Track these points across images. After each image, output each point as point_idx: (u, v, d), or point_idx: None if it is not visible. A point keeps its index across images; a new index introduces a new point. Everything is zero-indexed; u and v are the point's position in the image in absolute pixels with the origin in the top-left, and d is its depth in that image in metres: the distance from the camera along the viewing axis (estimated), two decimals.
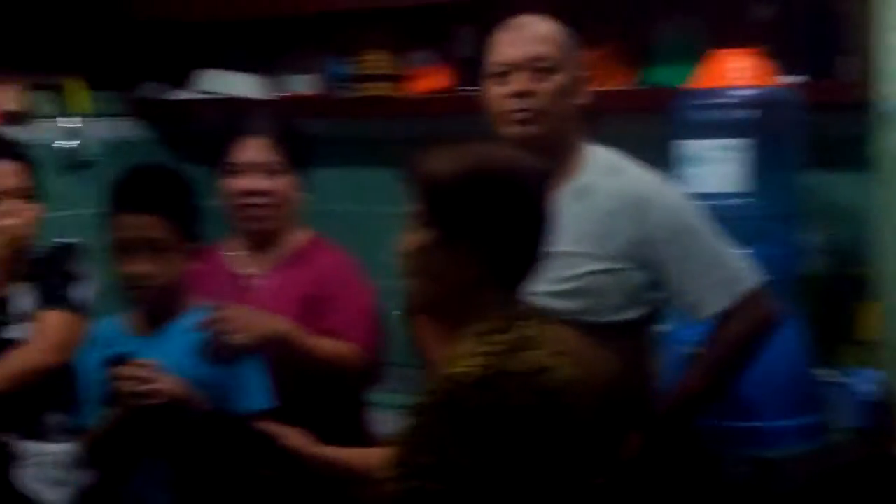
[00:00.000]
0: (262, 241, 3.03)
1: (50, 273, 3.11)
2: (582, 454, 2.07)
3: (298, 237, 3.07)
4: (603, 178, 2.70)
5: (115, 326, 2.79)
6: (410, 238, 2.11)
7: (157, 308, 2.73)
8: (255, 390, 2.71)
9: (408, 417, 2.03)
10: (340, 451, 2.48)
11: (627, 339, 2.70)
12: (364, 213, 4.41)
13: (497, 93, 2.71)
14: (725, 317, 2.68)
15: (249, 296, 2.96)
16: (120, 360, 2.62)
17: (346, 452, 2.49)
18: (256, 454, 2.46)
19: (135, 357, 2.62)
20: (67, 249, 3.17)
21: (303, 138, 3.09)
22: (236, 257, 3.06)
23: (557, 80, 2.67)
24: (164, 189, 2.71)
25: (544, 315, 2.15)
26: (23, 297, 3.08)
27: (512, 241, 2.07)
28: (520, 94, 2.66)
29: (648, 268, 2.68)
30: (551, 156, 2.62)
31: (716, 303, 2.66)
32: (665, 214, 2.66)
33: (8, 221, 3.05)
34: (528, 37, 2.70)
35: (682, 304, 2.72)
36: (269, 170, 2.96)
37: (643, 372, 2.79)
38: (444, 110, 3.99)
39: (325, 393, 2.91)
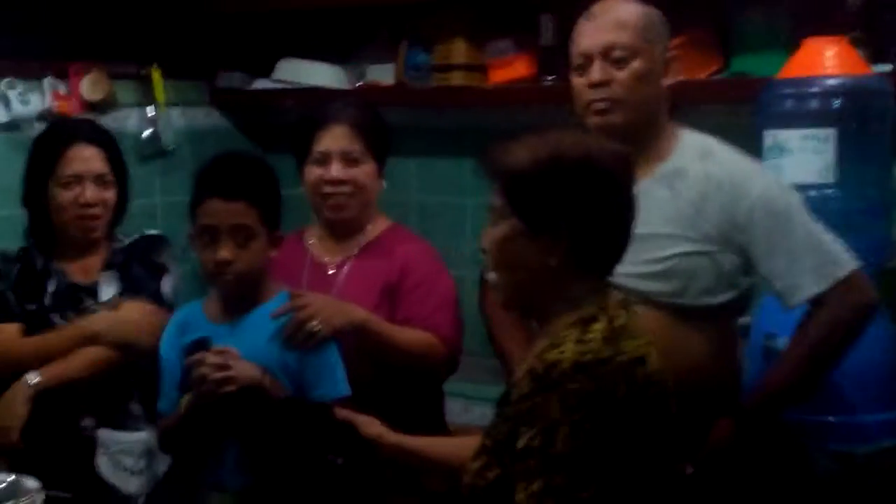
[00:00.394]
0: (342, 229, 3.03)
1: (135, 263, 3.12)
2: (673, 443, 2.05)
3: (378, 226, 3.06)
4: (695, 161, 2.67)
5: (195, 313, 2.80)
6: (492, 230, 2.10)
7: (238, 295, 2.73)
8: (331, 378, 2.71)
9: (498, 407, 2.03)
10: (417, 440, 2.48)
11: (716, 323, 2.67)
12: (441, 203, 4.41)
13: (578, 83, 2.70)
14: (819, 303, 2.63)
15: (329, 284, 2.96)
16: (199, 345, 2.63)
17: (422, 441, 2.49)
18: (333, 441, 2.46)
19: (214, 343, 2.63)
20: (153, 241, 3.18)
21: (384, 127, 3.08)
22: (316, 245, 3.06)
23: (635, 67, 2.64)
24: (249, 177, 2.71)
25: (633, 303, 2.13)
26: (109, 286, 3.09)
27: (594, 229, 2.05)
28: (597, 85, 2.65)
29: (740, 251, 2.64)
30: (639, 140, 2.60)
31: (809, 288, 2.61)
32: (758, 197, 2.62)
33: (86, 209, 3.05)
34: (603, 25, 2.67)
35: (773, 289, 2.67)
36: (350, 158, 2.96)
37: (731, 357, 2.76)
38: (524, 100, 3.96)
39: (403, 382, 2.89)
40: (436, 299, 2.96)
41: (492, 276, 2.14)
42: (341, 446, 2.45)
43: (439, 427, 3.04)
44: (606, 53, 2.64)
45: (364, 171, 2.98)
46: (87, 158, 3.07)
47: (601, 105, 2.64)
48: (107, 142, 3.15)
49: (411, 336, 2.88)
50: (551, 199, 2.03)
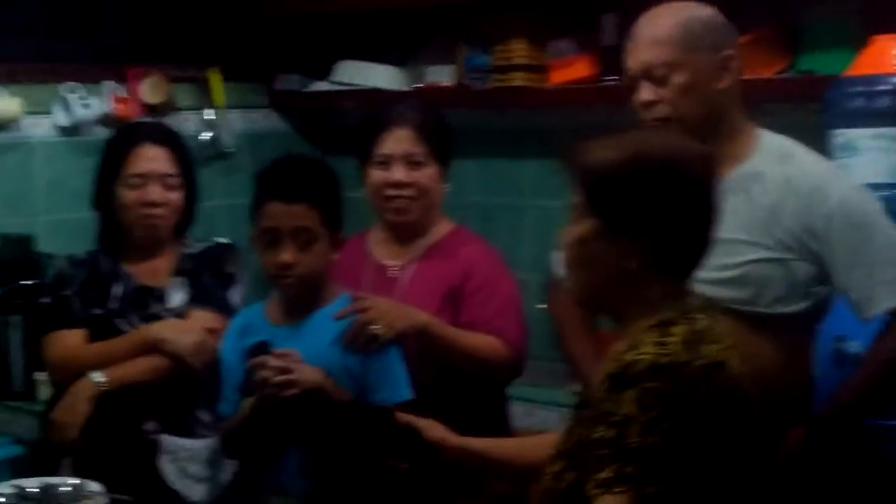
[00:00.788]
0: (405, 232, 3.00)
1: (205, 271, 3.11)
2: (751, 449, 2.02)
3: (441, 228, 3.03)
4: (773, 165, 2.61)
5: (257, 315, 2.80)
6: (571, 228, 2.07)
7: (300, 297, 2.72)
8: (393, 382, 2.69)
9: (575, 410, 2.01)
10: (480, 441, 2.46)
11: (790, 333, 2.61)
12: (501, 205, 4.39)
13: (634, 101, 2.66)
14: None
15: (391, 287, 2.94)
16: (260, 349, 2.62)
17: (485, 442, 2.46)
18: (395, 446, 2.44)
19: (275, 346, 2.62)
20: (224, 249, 3.17)
21: (447, 129, 3.05)
22: (379, 248, 3.04)
23: (678, 81, 2.58)
24: (311, 179, 2.70)
25: (713, 307, 2.10)
26: (177, 292, 3.09)
27: (676, 231, 2.02)
28: (646, 106, 2.61)
29: (815, 260, 2.58)
30: (711, 146, 2.53)
31: (886, 300, 2.54)
32: (836, 205, 2.55)
33: (150, 209, 3.05)
34: (641, 45, 2.63)
35: (849, 301, 2.60)
36: (413, 161, 2.93)
37: (804, 368, 2.69)
38: (586, 101, 3.93)
39: (466, 386, 2.87)
40: (499, 302, 2.92)
41: (566, 274, 2.12)
42: (404, 451, 2.44)
43: (503, 432, 3.00)
44: (648, 74, 2.60)
45: (427, 174, 2.95)
46: (152, 158, 3.07)
47: (653, 125, 2.60)
48: (175, 143, 3.15)
49: (475, 340, 2.86)
50: (633, 200, 2.01)
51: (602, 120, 3.90)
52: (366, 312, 2.70)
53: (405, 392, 2.68)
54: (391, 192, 2.93)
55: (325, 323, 2.70)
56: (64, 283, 3.10)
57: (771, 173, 2.60)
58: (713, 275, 2.48)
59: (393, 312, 2.74)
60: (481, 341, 2.85)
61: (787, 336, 2.60)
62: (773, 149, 2.64)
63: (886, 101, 3.04)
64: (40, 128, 4.09)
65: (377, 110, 3.08)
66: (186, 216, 3.15)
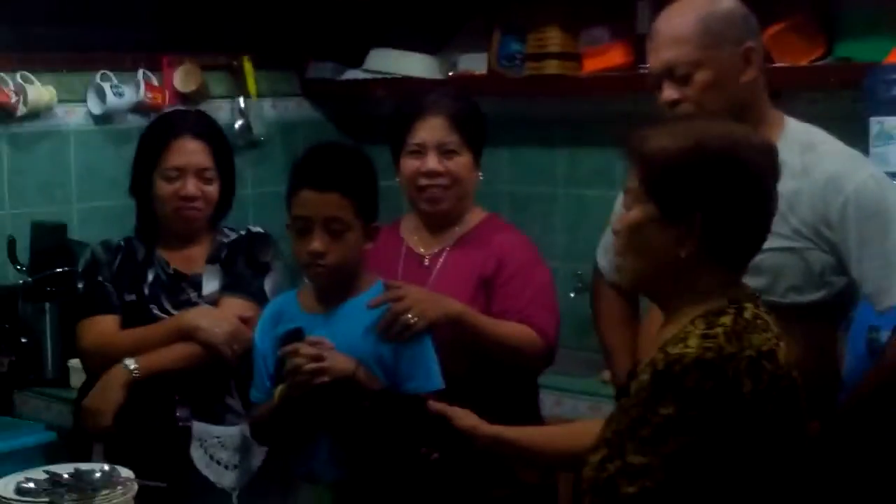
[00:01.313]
0: (438, 221, 3.00)
1: (239, 260, 3.11)
2: (803, 437, 2.03)
3: (474, 217, 3.03)
4: (795, 154, 2.57)
5: (290, 302, 2.80)
6: (626, 214, 2.07)
7: (331, 286, 2.71)
8: (425, 371, 2.68)
9: (617, 399, 2.01)
10: (512, 430, 2.44)
11: (810, 322, 2.57)
12: (533, 194, 4.37)
13: (660, 100, 2.65)
14: None
15: (425, 276, 2.94)
16: (293, 336, 2.62)
17: (517, 431, 2.45)
18: (427, 435, 2.43)
19: (308, 334, 2.62)
20: (258, 238, 3.16)
21: (480, 118, 3.04)
22: (412, 237, 3.03)
23: (700, 79, 2.57)
24: (345, 168, 2.69)
25: (761, 297, 2.09)
26: (212, 279, 3.10)
27: (731, 222, 2.01)
28: (670, 105, 2.60)
29: (831, 249, 2.56)
30: None
31: None
32: (851, 194, 2.53)
33: (186, 202, 3.05)
34: (661, 44, 2.61)
35: (863, 291, 2.58)
36: (447, 150, 2.93)
37: (825, 360, 2.66)
38: (620, 89, 3.89)
39: (497, 375, 2.86)
40: (532, 291, 2.90)
41: (619, 259, 2.11)
42: (435, 439, 2.43)
43: (534, 421, 2.98)
44: (669, 73, 2.59)
45: (460, 163, 2.94)
46: (190, 152, 3.06)
47: (672, 111, 2.59)
48: (213, 135, 3.14)
49: (508, 329, 2.84)
50: (690, 188, 2.00)
51: (635, 109, 3.91)
52: (399, 301, 2.69)
53: (437, 381, 2.68)
54: (425, 181, 2.93)
55: (359, 311, 2.69)
56: (98, 269, 3.10)
57: (791, 162, 2.55)
58: None
59: (426, 301, 2.73)
60: (514, 330, 2.84)
61: (806, 326, 2.55)
62: (797, 137, 2.62)
63: None
64: (74, 116, 4.11)
65: (410, 99, 3.06)
66: (222, 207, 3.14)
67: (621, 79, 3.90)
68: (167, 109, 3.94)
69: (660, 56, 2.60)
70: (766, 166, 2.05)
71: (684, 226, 1.99)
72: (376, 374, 2.63)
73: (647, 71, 3.72)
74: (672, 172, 2.00)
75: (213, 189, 3.08)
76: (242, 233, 3.16)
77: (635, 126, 2.08)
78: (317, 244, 2.62)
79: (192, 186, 3.04)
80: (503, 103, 4.24)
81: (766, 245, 2.50)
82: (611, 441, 1.99)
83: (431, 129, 2.93)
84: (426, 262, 2.98)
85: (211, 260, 3.11)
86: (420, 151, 2.93)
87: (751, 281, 2.50)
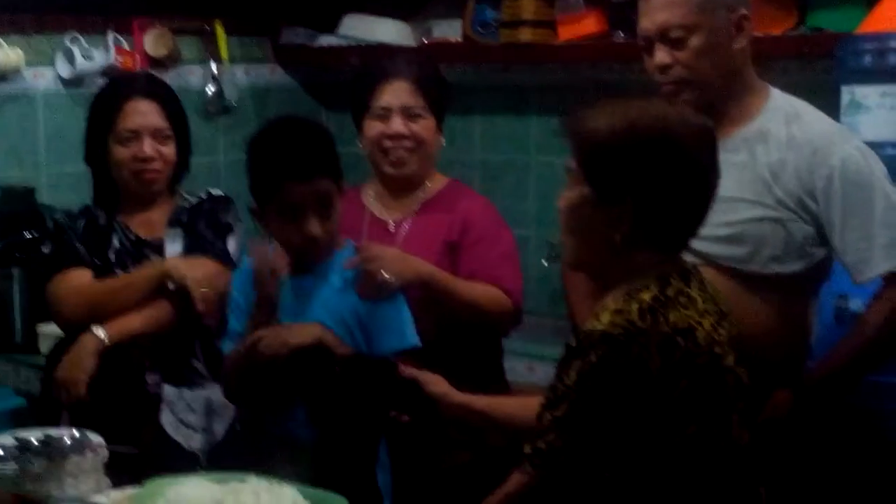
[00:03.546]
0: (401, 185, 3.01)
1: (201, 222, 3.09)
2: (728, 413, 2.03)
3: (437, 183, 3.04)
4: (780, 125, 2.60)
5: None
6: (566, 193, 2.07)
7: (311, 249, 2.69)
8: (400, 329, 2.68)
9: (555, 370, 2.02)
10: (482, 399, 2.46)
11: (785, 293, 2.60)
12: (505, 162, 4.36)
13: (647, 64, 2.64)
14: (890, 281, 2.55)
15: (390, 241, 2.94)
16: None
17: (487, 401, 2.47)
18: (398, 399, 2.45)
19: (282, 293, 2.62)
20: (219, 200, 3.15)
21: (444, 82, 3.06)
22: (375, 202, 3.05)
23: (695, 44, 2.56)
24: (321, 149, 2.65)
25: (699, 274, 2.10)
26: (174, 243, 3.08)
27: (664, 206, 2.01)
28: (661, 69, 2.59)
29: (813, 221, 2.57)
30: (721, 105, 2.56)
31: (880, 264, 2.54)
32: (836, 166, 2.54)
33: (144, 164, 3.02)
34: (656, 4, 2.59)
35: (843, 262, 2.59)
36: (411, 114, 2.94)
37: (800, 329, 2.68)
38: (594, 57, 3.91)
39: (465, 337, 2.88)
40: (498, 252, 2.93)
41: (562, 237, 2.12)
42: (406, 404, 2.44)
43: (499, 382, 3.03)
44: (663, 35, 2.57)
45: (425, 126, 2.96)
46: (144, 113, 3.04)
47: (669, 87, 2.59)
48: (165, 95, 3.12)
49: (477, 289, 2.86)
50: (622, 171, 2.00)
51: (610, 77, 3.91)
52: (374, 261, 2.69)
53: (412, 339, 2.68)
54: (389, 143, 2.94)
55: (334, 270, 2.69)
56: (64, 232, 3.08)
57: (776, 133, 2.59)
58: (712, 232, 2.48)
59: (400, 261, 2.74)
60: (483, 290, 2.86)
61: (783, 296, 2.59)
62: (781, 109, 2.62)
63: (895, 58, 3.01)
64: (42, 79, 4.07)
65: (373, 63, 3.08)
66: (179, 168, 3.12)
67: (596, 47, 3.90)
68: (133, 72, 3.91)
69: (654, 18, 2.58)
70: (701, 148, 2.03)
71: (617, 209, 2.00)
72: (353, 332, 2.63)
73: (622, 40, 3.79)
74: (604, 155, 2.01)
75: (169, 150, 3.06)
76: (202, 196, 3.14)
77: (575, 105, 2.08)
78: (313, 229, 2.61)
79: (148, 147, 3.01)
80: (477, 71, 4.25)
81: (750, 215, 2.55)
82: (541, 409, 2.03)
83: (396, 93, 2.94)
84: (391, 227, 2.99)
85: (172, 224, 3.08)
86: (385, 115, 2.94)
87: (733, 250, 2.56)
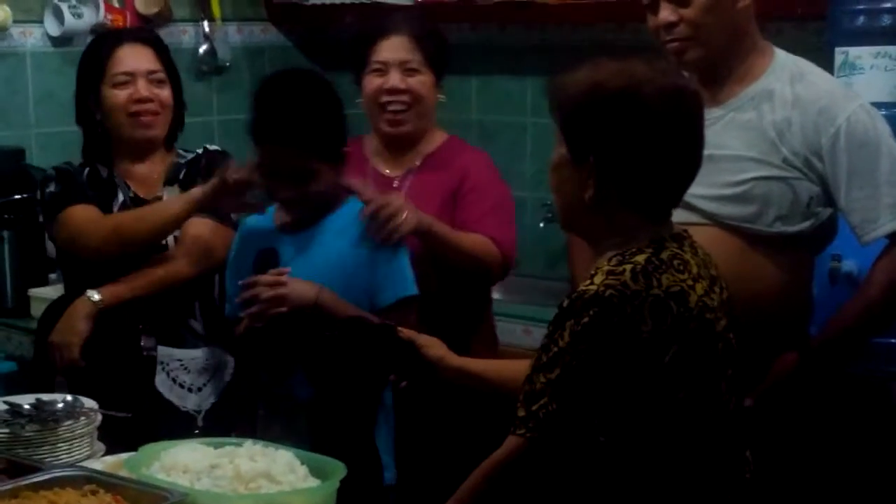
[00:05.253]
0: (400, 141, 3.02)
1: (198, 179, 3.03)
2: (717, 380, 2.02)
3: (436, 138, 3.07)
4: (785, 84, 2.59)
5: (267, 219, 2.77)
6: (552, 155, 2.08)
7: (310, 208, 2.70)
8: (402, 279, 2.71)
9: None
10: (478, 363, 2.47)
11: (790, 253, 2.60)
12: (502, 122, 4.34)
13: (651, 23, 2.61)
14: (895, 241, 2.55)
15: (394, 195, 2.91)
16: (267, 256, 2.65)
17: (483, 364, 2.47)
18: (395, 362, 2.44)
19: (285, 251, 2.65)
20: (216, 156, 3.10)
21: (442, 39, 3.06)
22: (377, 158, 3.05)
23: (700, 1, 2.53)
24: (312, 110, 2.63)
25: (690, 238, 2.09)
26: None
27: (633, 162, 1.99)
28: (666, 27, 2.57)
29: (819, 180, 2.56)
30: (726, 64, 2.56)
31: (886, 224, 2.53)
32: (843, 125, 2.53)
33: (141, 105, 2.98)
34: None
35: (849, 222, 2.58)
36: (409, 69, 2.96)
37: (803, 289, 2.68)
38: (591, 18, 3.87)
39: (457, 288, 2.91)
40: (490, 202, 2.98)
41: (553, 197, 2.12)
42: (403, 367, 2.44)
43: (489, 336, 3.10)
44: None
45: (422, 82, 2.98)
46: (137, 56, 3.00)
47: (674, 45, 2.57)
48: (155, 41, 3.08)
49: (469, 239, 2.90)
50: (586, 130, 2.00)
51: (607, 38, 3.87)
52: (386, 207, 2.70)
53: (412, 288, 2.70)
54: (387, 97, 2.96)
55: (335, 226, 2.70)
56: (70, 174, 3.03)
57: (781, 92, 2.58)
58: (718, 191, 2.51)
59: (408, 208, 2.75)
60: (474, 240, 2.91)
61: (788, 256, 2.59)
62: (787, 68, 2.61)
63: (888, 19, 3.02)
64: (31, 37, 4.02)
65: (371, 20, 3.10)
66: (175, 121, 3.07)
67: (592, 6, 3.86)
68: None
69: None
70: (672, 109, 2.00)
71: (584, 167, 2.00)
72: (355, 285, 2.65)
73: (617, 0, 3.75)
74: (572, 114, 2.01)
75: (165, 93, 3.02)
76: (199, 151, 3.10)
77: (560, 67, 2.07)
78: (288, 193, 2.63)
79: (144, 88, 2.97)
80: (473, 30, 4.22)
81: (757, 174, 2.55)
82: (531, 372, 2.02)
83: (394, 48, 2.97)
84: (395, 183, 3.01)
85: (170, 181, 3.05)
86: (382, 70, 2.97)
87: (739, 210, 2.56)
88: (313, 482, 2.16)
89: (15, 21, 3.93)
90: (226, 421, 2.92)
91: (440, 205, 2.94)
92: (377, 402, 2.64)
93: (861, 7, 3.06)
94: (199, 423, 2.99)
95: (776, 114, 2.56)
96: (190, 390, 3.00)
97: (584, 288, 1.95)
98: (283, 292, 2.58)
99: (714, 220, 2.52)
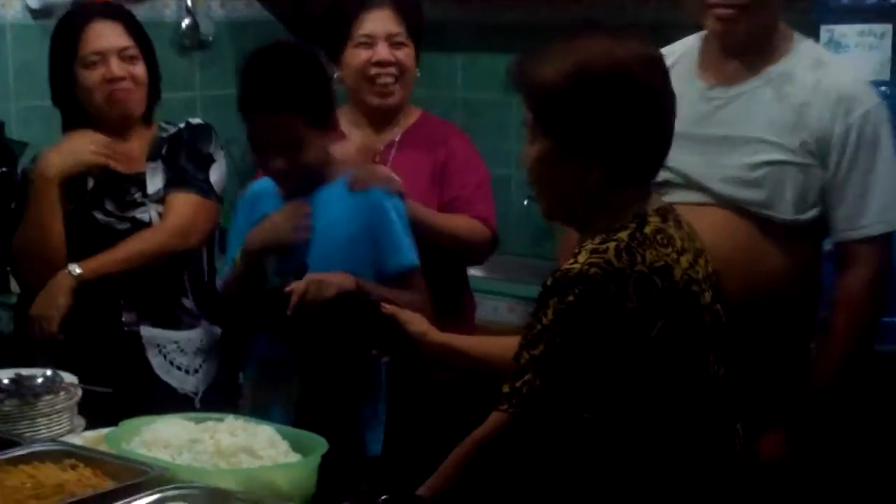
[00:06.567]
0: (384, 115, 3.02)
1: (181, 153, 3.03)
2: (705, 352, 2.02)
3: (412, 113, 3.08)
4: (806, 69, 2.57)
5: (269, 187, 2.76)
6: (528, 148, 2.04)
7: (305, 177, 2.68)
8: (403, 247, 2.70)
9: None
10: (462, 339, 2.46)
11: (804, 238, 2.58)
12: (487, 100, 4.32)
13: None
14: (873, 243, 2.54)
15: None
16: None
17: (467, 340, 2.47)
18: (378, 337, 2.45)
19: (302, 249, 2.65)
20: (199, 130, 3.08)
21: (420, 9, 3.08)
22: (355, 131, 3.04)
23: None
24: (299, 81, 2.61)
25: (675, 211, 2.08)
26: (155, 177, 3.02)
27: (631, 142, 1.98)
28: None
29: (824, 168, 2.54)
30: (754, 42, 2.55)
31: (866, 228, 2.53)
32: (858, 119, 2.52)
33: (115, 84, 2.95)
34: None
35: (834, 216, 2.56)
36: (396, 41, 2.97)
37: (814, 273, 2.65)
38: None
39: (437, 265, 2.88)
40: (476, 181, 3.01)
41: (533, 190, 2.09)
42: (386, 343, 2.44)
43: (467, 312, 3.12)
44: None
45: (408, 54, 3.00)
46: (107, 35, 2.97)
47: (728, 12, 2.51)
48: (125, 16, 3.05)
49: (453, 220, 2.92)
50: (583, 119, 1.96)
51: (594, 15, 3.85)
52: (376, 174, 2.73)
53: (413, 257, 2.69)
54: (375, 70, 2.96)
55: (334, 197, 2.68)
56: None
57: (802, 76, 2.56)
58: (733, 173, 2.50)
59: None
60: (459, 222, 2.93)
61: (799, 242, 2.57)
62: (808, 53, 2.61)
63: None
64: (10, 9, 3.98)
65: None
66: (152, 96, 3.05)
67: None
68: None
69: None
70: (654, 78, 1.99)
71: (586, 156, 1.96)
72: (355, 256, 2.64)
73: None
74: (561, 105, 1.96)
75: (140, 70, 2.99)
76: (181, 125, 3.08)
77: (522, 52, 2.04)
78: (279, 163, 2.61)
79: (116, 67, 2.94)
80: (459, 7, 4.21)
81: (772, 157, 2.54)
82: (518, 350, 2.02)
83: (380, 20, 2.97)
84: (377, 158, 2.99)
85: (152, 157, 3.02)
86: (369, 42, 2.96)
87: (753, 195, 2.54)
88: (294, 457, 2.16)
89: None
90: (222, 402, 2.90)
91: (429, 179, 2.95)
92: (361, 377, 2.63)
93: None
94: (197, 405, 2.97)
95: (797, 97, 2.55)
96: (188, 372, 3.00)
97: (567, 266, 1.94)
98: (321, 276, 2.56)
99: (728, 203, 2.51)
